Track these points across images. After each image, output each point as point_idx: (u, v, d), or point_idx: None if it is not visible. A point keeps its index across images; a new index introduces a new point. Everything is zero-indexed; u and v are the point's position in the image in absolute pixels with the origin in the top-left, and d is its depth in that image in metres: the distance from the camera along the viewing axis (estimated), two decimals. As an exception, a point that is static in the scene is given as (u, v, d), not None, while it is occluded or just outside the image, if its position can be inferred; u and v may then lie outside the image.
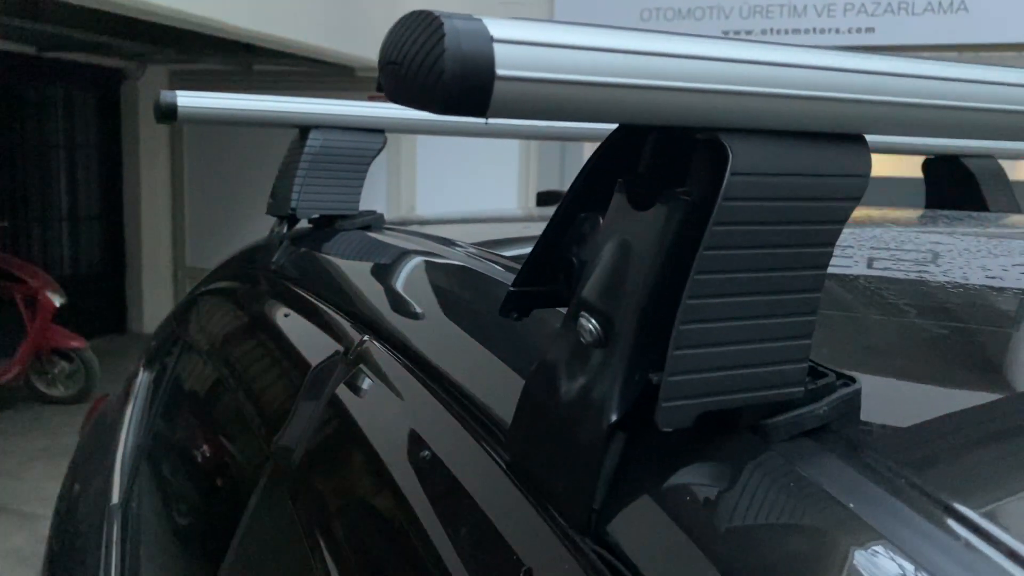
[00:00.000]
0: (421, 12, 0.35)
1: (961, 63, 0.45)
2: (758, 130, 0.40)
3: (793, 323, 0.41)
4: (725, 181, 0.38)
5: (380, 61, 0.37)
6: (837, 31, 6.03)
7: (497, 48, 0.33)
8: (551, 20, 0.36)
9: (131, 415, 1.60)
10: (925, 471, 0.40)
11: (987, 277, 0.74)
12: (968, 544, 0.34)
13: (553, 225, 0.50)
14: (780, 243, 0.40)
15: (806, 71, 0.39)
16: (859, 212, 1.58)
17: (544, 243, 0.51)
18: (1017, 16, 5.58)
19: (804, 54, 0.40)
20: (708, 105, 0.38)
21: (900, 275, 0.79)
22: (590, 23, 0.37)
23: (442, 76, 0.32)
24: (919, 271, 0.80)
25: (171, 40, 6.17)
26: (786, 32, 6.13)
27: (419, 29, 0.34)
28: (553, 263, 0.51)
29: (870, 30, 5.93)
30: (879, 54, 0.42)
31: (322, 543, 0.60)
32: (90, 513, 1.51)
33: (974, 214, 1.37)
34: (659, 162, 0.43)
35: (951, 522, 0.35)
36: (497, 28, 0.34)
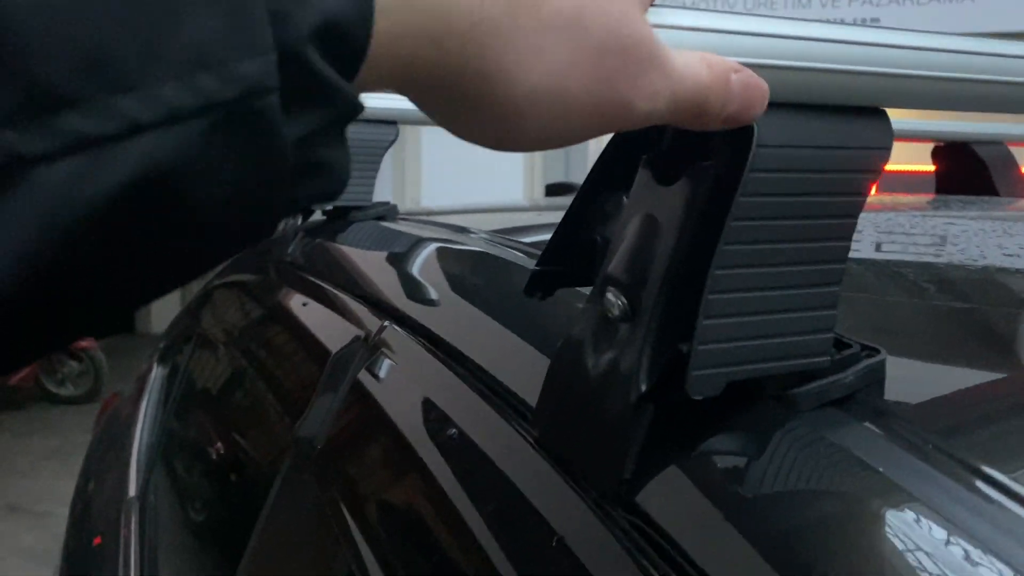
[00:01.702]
0: None
1: (983, 38, 0.45)
2: (782, 104, 0.40)
3: (818, 293, 0.42)
4: (752, 152, 0.39)
5: None
6: (842, 21, 6.04)
7: None
8: None
9: (145, 410, 1.61)
10: (954, 437, 0.41)
11: (1004, 256, 0.75)
12: (1001, 506, 0.35)
13: (576, 204, 0.51)
14: (805, 214, 0.41)
15: (829, 44, 0.40)
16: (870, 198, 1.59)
17: (568, 222, 0.51)
18: (1023, 5, 5.57)
19: (828, 28, 0.40)
20: (734, 78, 0.38)
21: (919, 257, 0.80)
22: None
23: None
24: (937, 252, 0.81)
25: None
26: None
27: None
28: (577, 242, 0.52)
29: (875, 20, 5.93)
30: (901, 29, 0.43)
31: (353, 525, 0.61)
32: (106, 509, 1.52)
33: (986, 199, 1.38)
34: (683, 137, 0.44)
35: (983, 485, 0.36)
36: None
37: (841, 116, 0.42)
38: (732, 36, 0.38)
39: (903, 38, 0.42)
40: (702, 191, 0.41)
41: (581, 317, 0.46)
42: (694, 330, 0.40)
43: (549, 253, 0.52)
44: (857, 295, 0.65)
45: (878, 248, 0.85)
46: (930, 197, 1.52)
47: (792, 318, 0.41)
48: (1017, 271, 0.72)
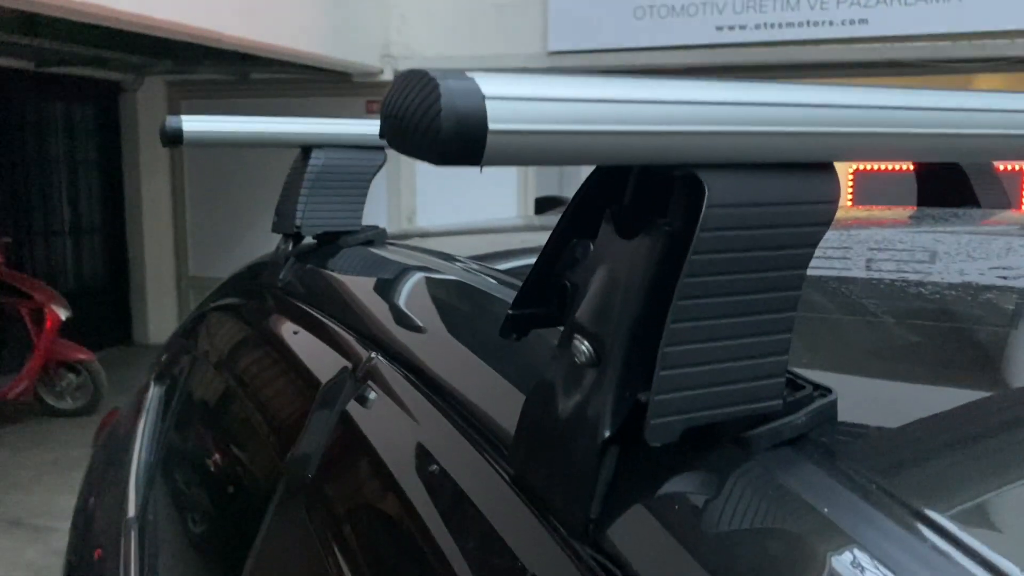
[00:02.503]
0: (419, 72, 0.38)
1: (921, 89, 0.48)
2: (731, 164, 0.43)
3: (770, 341, 0.44)
4: (702, 213, 0.41)
5: (382, 112, 0.40)
6: (831, 23, 6.05)
7: (489, 105, 0.36)
8: (537, 74, 0.40)
9: (143, 429, 1.63)
10: (897, 476, 0.43)
11: (963, 279, 0.77)
12: (935, 547, 0.37)
13: (547, 250, 0.54)
14: (756, 268, 0.43)
15: (773, 108, 0.42)
16: (852, 212, 1.61)
17: (539, 267, 0.54)
18: (1009, 3, 5.60)
19: (770, 91, 0.43)
20: (683, 144, 0.41)
21: (881, 276, 0.82)
22: (571, 75, 0.40)
23: (439, 134, 0.36)
24: (900, 273, 0.83)
25: (168, 52, 6.22)
26: (780, 26, 6.15)
27: (417, 88, 0.37)
28: (548, 286, 0.54)
29: (863, 21, 5.95)
30: (842, 85, 0.46)
31: (338, 555, 0.63)
32: (107, 527, 1.54)
33: (965, 211, 1.40)
34: (642, 195, 0.47)
35: (920, 526, 0.39)
36: (488, 85, 0.37)
37: (789, 172, 0.44)
38: (677, 106, 0.40)
39: (844, 96, 0.45)
40: (658, 247, 0.43)
41: (552, 361, 0.49)
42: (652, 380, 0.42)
43: (523, 296, 0.55)
44: (814, 316, 0.68)
45: (868, 266, 0.88)
46: (913, 210, 1.54)
47: (745, 366, 0.44)
48: (976, 295, 0.74)
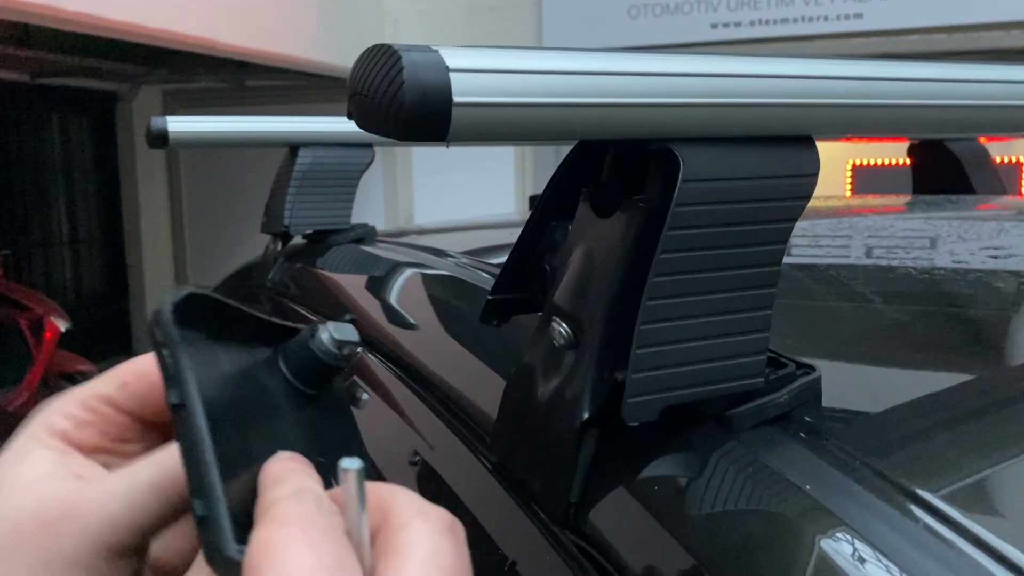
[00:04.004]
0: (382, 46, 0.37)
1: (900, 62, 0.47)
2: (706, 138, 0.42)
3: (750, 318, 0.43)
4: (677, 188, 0.40)
5: (348, 92, 0.39)
6: (825, 18, 6.04)
7: (453, 77, 0.36)
8: (504, 46, 0.39)
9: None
10: (881, 455, 0.42)
11: (954, 262, 0.76)
12: (920, 524, 0.36)
13: (525, 234, 0.53)
14: (733, 243, 0.42)
15: (747, 80, 0.42)
16: (847, 200, 1.60)
17: (518, 252, 0.53)
18: (1002, -5, 5.60)
19: (744, 64, 0.42)
20: (657, 118, 0.40)
21: (864, 263, 0.81)
22: (539, 47, 0.40)
23: (403, 106, 0.35)
24: (886, 259, 0.82)
25: (163, 61, 6.23)
26: (774, 22, 6.15)
27: (380, 62, 0.36)
28: (528, 271, 0.54)
29: (858, 16, 5.94)
30: (819, 57, 0.45)
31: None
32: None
33: (958, 198, 1.39)
34: (618, 172, 0.46)
35: (906, 503, 0.38)
36: (453, 58, 0.36)
37: (766, 146, 0.44)
38: (650, 79, 0.39)
39: (820, 68, 0.44)
40: (634, 224, 0.43)
41: (531, 345, 0.48)
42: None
43: (502, 281, 0.54)
44: (801, 303, 0.67)
45: (868, 254, 0.87)
46: (908, 198, 1.53)
47: (725, 343, 0.43)
48: (961, 278, 0.73)
